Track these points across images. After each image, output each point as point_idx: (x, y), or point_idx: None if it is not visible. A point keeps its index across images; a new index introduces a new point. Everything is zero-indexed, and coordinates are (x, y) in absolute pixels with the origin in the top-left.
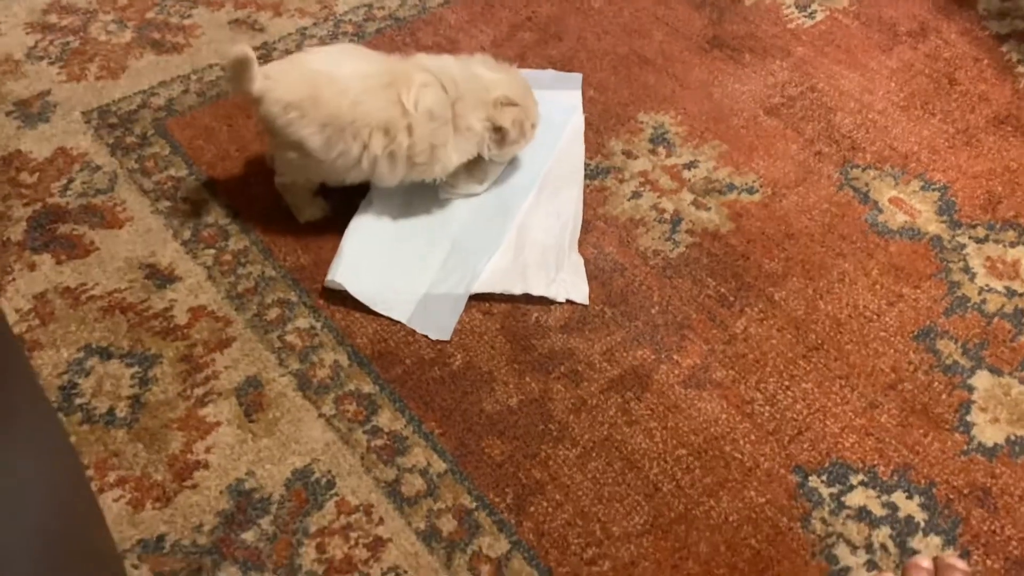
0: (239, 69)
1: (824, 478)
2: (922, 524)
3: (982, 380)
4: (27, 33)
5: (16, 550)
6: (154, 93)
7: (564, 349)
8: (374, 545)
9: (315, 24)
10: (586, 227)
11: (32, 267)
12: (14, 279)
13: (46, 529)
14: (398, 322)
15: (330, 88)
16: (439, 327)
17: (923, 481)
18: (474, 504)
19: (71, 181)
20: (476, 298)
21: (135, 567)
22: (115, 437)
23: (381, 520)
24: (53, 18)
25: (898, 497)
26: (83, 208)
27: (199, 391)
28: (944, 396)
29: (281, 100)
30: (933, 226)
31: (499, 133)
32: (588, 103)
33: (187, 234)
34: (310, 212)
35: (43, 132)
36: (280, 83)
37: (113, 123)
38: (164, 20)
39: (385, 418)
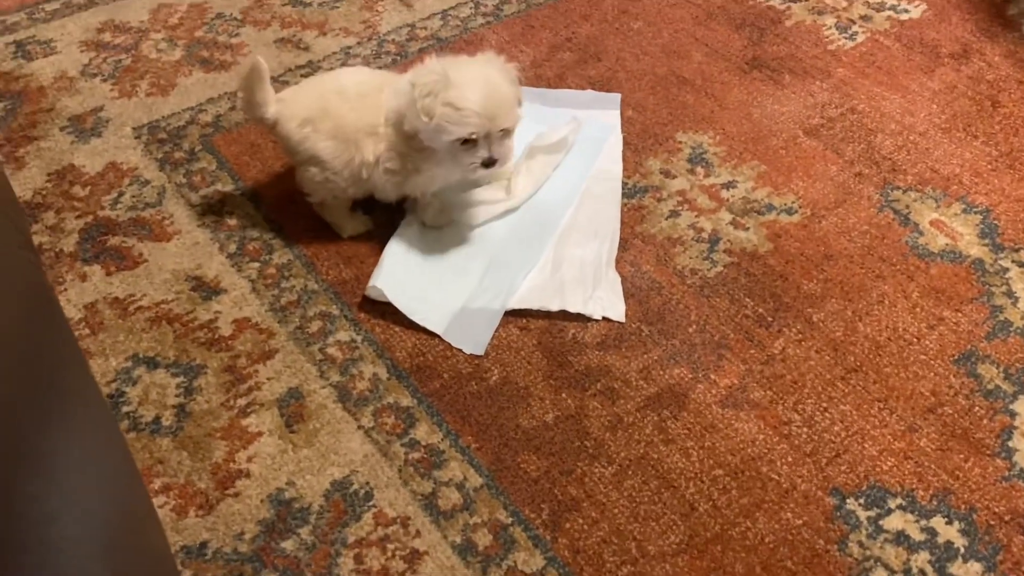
0: (252, 81)
1: (862, 501)
2: (962, 550)
3: None
4: (81, 51)
5: (83, 541)
6: (202, 110)
7: (600, 366)
8: (411, 557)
9: (359, 43)
10: (623, 245)
11: (83, 278)
12: (65, 289)
13: (109, 521)
14: (436, 336)
15: (336, 99)
16: (474, 341)
17: (963, 506)
18: (510, 519)
19: (121, 195)
20: (513, 314)
21: (178, 572)
22: (160, 445)
23: (418, 533)
24: (107, 36)
25: (937, 522)
26: (132, 221)
27: (242, 401)
28: (985, 421)
29: (296, 117)
30: (975, 249)
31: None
32: (627, 123)
33: (232, 247)
34: (351, 227)
35: (95, 147)
36: (294, 103)
37: (162, 139)
38: (212, 39)
39: (422, 431)
